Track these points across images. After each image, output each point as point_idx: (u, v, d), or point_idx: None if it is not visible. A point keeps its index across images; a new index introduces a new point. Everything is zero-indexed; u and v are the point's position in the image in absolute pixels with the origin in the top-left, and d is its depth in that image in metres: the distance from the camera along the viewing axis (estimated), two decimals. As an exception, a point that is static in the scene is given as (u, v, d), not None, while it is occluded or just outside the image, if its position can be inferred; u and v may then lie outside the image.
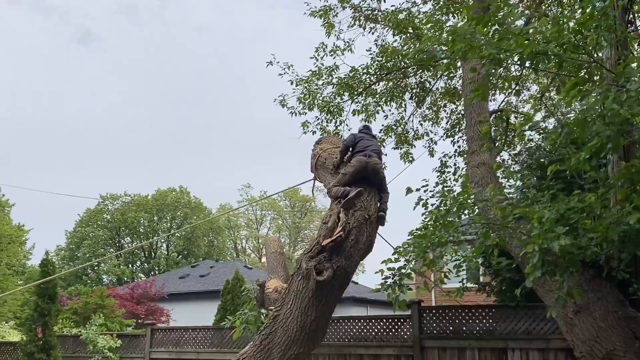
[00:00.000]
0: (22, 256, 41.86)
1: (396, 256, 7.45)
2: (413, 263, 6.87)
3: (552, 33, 6.19)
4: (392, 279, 6.99)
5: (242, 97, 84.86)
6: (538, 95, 12.31)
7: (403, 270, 6.96)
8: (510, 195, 8.22)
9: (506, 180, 8.74)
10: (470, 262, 7.77)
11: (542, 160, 8.61)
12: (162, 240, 46.16)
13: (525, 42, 6.17)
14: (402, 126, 14.17)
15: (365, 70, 13.12)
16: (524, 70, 11.18)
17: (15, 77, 72.70)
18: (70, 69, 74.95)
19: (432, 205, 10.06)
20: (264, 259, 54.14)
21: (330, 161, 8.65)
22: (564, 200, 6.09)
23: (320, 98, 13.31)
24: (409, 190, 8.50)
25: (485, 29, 6.46)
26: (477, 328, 8.27)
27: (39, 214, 68.07)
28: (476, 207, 8.61)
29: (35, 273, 43.02)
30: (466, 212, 10.28)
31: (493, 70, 8.44)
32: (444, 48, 12.47)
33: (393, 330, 8.92)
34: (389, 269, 7.09)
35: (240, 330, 8.98)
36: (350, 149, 8.19)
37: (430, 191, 9.34)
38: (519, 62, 6.84)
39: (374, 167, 7.90)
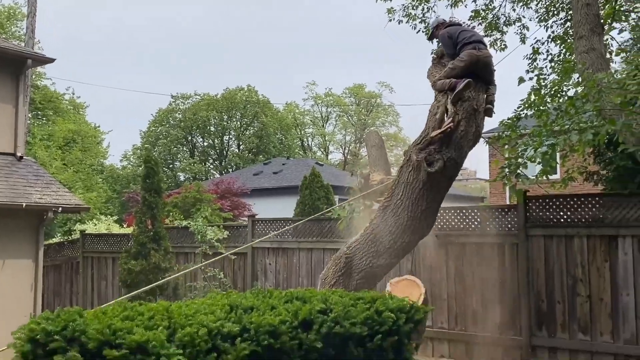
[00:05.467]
0: (100, 156, 43.78)
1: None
2: (531, 152, 6.81)
3: None
4: (509, 168, 7.00)
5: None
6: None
7: (520, 160, 6.94)
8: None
9: (627, 65, 8.34)
10: (577, 152, 7.65)
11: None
12: (233, 139, 47.16)
13: None
14: (491, 11, 13.60)
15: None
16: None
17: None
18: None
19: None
20: (330, 156, 54.74)
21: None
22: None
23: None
24: (521, 80, 8.31)
25: None
26: (586, 216, 8.23)
27: (113, 115, 70.27)
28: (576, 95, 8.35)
29: (114, 171, 45.17)
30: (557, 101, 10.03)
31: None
32: None
33: (497, 219, 9.01)
34: (506, 158, 7.09)
35: (346, 221, 9.31)
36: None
37: (542, 79, 9.10)
38: None
39: (485, 61, 7.56)
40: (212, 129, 46.63)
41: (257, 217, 12.48)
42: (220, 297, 4.29)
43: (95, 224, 17.34)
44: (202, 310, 3.79)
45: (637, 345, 7.73)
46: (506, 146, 7.78)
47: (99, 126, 41.47)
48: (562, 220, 8.44)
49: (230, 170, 43.72)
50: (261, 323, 3.69)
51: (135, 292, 6.56)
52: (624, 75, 8.29)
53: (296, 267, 11.12)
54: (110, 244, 14.06)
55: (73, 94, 40.94)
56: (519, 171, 6.96)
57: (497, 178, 7.09)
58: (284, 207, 21.90)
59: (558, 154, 8.28)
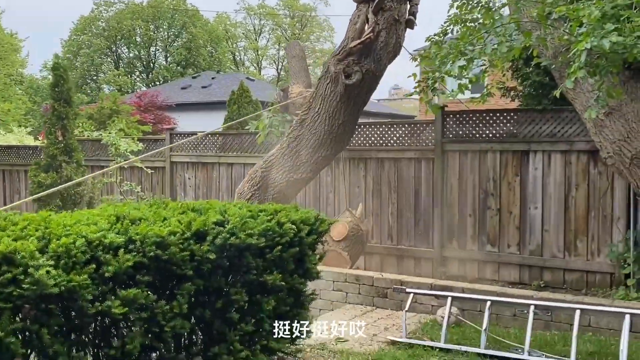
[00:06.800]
0: (18, 65, 41.31)
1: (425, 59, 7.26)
2: (449, 66, 6.67)
3: None
4: (426, 82, 6.89)
5: None
6: None
7: (437, 74, 6.82)
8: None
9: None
10: (496, 67, 7.61)
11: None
12: (160, 51, 45.25)
13: None
14: None
15: None
16: None
17: None
18: None
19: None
20: (264, 72, 53.64)
21: None
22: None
23: None
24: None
25: None
26: (501, 132, 8.33)
27: (31, 23, 65.98)
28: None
29: (34, 82, 42.83)
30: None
31: None
32: None
33: (415, 135, 9.01)
34: (424, 72, 6.96)
35: (265, 135, 9.10)
36: None
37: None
38: None
39: None
40: (138, 39, 44.49)
41: (175, 130, 12.07)
42: (110, 207, 4.07)
43: (3, 134, 16.39)
44: (85, 221, 3.57)
45: (542, 256, 8.07)
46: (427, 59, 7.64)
47: (15, 33, 38.88)
48: (477, 135, 8.52)
49: (158, 83, 42.18)
50: (147, 234, 3.51)
51: (38, 194, 6.17)
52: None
53: (216, 181, 10.93)
54: (22, 156, 13.39)
55: (-16, -4, 37.89)
56: (435, 85, 6.86)
57: (415, 92, 6.97)
58: (212, 123, 21.42)
59: (478, 69, 8.23)
